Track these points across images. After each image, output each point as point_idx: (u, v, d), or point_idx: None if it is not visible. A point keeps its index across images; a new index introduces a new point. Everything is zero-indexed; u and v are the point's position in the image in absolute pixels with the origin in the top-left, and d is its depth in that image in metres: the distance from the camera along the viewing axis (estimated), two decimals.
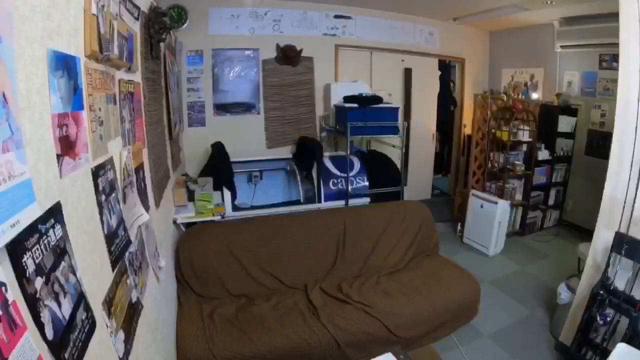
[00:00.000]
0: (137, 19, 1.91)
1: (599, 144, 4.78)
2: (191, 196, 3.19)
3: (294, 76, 4.73)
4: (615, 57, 4.33)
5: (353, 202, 3.87)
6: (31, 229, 0.79)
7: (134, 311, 1.48)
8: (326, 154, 4.26)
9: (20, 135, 0.78)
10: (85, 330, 1.00)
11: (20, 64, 0.79)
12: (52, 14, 0.95)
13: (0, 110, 0.71)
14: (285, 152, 4.72)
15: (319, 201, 3.88)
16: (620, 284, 2.32)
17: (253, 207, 3.84)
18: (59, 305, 0.88)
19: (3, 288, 0.70)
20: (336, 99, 4.39)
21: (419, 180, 5.94)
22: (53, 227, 0.89)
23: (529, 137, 4.72)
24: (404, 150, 4.19)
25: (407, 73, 5.51)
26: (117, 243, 1.33)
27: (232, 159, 3.87)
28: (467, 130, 5.57)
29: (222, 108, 4.52)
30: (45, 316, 0.82)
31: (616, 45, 2.38)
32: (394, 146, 4.57)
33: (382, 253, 3.20)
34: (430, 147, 6.05)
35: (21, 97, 0.79)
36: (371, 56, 5.19)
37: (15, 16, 0.78)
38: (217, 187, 3.43)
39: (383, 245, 3.22)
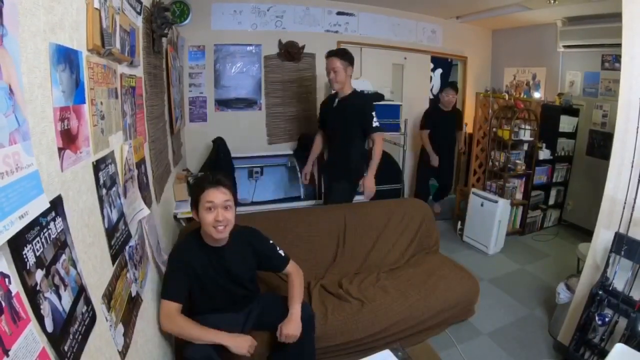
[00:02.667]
0: (139, 13, 1.91)
1: (600, 144, 4.78)
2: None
3: (296, 72, 4.73)
4: (617, 58, 4.33)
5: (354, 198, 3.87)
6: (32, 222, 0.79)
7: (133, 305, 1.49)
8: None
9: (27, 127, 0.78)
10: (85, 324, 1.01)
11: (22, 58, 0.79)
12: (54, 7, 0.95)
13: (7, 102, 0.71)
14: (286, 148, 4.73)
15: (319, 198, 3.88)
16: (619, 284, 2.32)
17: (253, 203, 3.85)
18: (59, 297, 0.89)
19: (6, 280, 0.70)
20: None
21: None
22: (54, 220, 0.90)
23: (530, 137, 4.71)
24: (404, 148, 4.20)
25: (409, 70, 5.51)
26: (117, 237, 1.34)
27: (233, 155, 3.88)
28: (469, 129, 5.56)
29: (223, 104, 4.52)
30: (45, 308, 0.82)
31: (619, 45, 2.37)
32: (395, 143, 4.57)
33: (382, 250, 3.19)
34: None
35: (23, 90, 0.80)
36: (373, 53, 5.18)
37: (18, 9, 0.78)
38: None
39: (383, 242, 3.22)
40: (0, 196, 0.67)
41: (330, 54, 3.19)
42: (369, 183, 3.31)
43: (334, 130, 3.40)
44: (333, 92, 3.39)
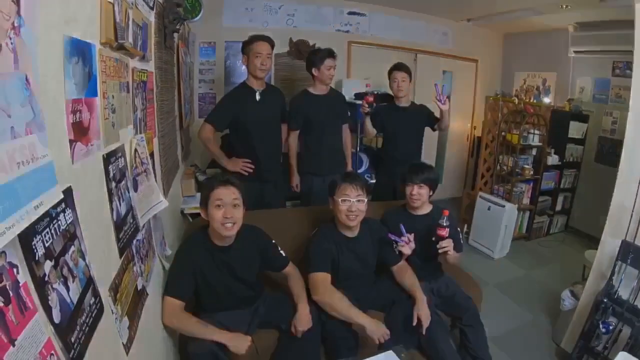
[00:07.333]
0: (152, 8, 1.92)
1: (609, 151, 4.74)
2: (199, 187, 3.20)
3: (306, 71, 4.71)
4: (629, 65, 4.28)
5: None
6: (42, 213, 0.79)
7: (139, 298, 1.49)
8: None
9: (42, 118, 0.79)
10: (93, 315, 1.02)
11: (37, 49, 0.80)
12: (69, 0, 0.96)
13: (24, 92, 0.72)
14: None
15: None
16: (624, 293, 2.31)
17: None
18: (67, 289, 0.89)
19: (15, 270, 0.71)
20: (347, 95, 4.37)
21: None
22: (64, 211, 0.90)
23: (539, 142, 4.69)
24: None
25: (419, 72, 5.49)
26: (125, 230, 1.35)
27: None
28: (477, 132, 5.54)
29: None
30: (53, 299, 0.83)
31: (630, 52, 2.35)
32: None
33: None
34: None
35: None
36: (384, 54, 5.17)
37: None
38: None
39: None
40: (16, 186, 0.68)
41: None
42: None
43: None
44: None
